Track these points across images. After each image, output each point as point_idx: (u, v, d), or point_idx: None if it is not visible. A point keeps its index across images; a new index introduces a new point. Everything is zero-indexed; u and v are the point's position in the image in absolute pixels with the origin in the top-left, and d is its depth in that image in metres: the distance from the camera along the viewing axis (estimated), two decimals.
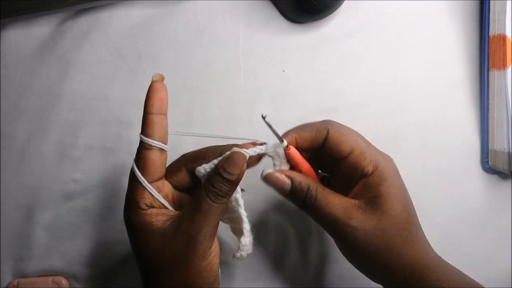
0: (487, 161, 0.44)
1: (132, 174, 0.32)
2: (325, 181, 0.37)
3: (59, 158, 0.46)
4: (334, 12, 0.45)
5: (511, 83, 0.42)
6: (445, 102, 0.46)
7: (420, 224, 0.33)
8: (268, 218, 0.45)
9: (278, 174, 0.32)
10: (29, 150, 0.47)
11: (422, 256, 0.32)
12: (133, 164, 0.32)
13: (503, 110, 0.42)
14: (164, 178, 0.33)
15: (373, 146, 0.33)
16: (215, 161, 0.32)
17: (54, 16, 0.48)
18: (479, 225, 0.45)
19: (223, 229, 0.43)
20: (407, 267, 0.31)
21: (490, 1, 0.44)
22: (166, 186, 0.33)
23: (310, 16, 0.45)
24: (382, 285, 0.34)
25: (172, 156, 0.35)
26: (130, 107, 0.46)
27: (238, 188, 0.32)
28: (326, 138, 0.32)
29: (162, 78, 0.32)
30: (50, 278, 0.45)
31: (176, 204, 0.34)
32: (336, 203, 0.31)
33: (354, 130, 0.33)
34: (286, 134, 0.33)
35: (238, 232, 0.34)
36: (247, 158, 0.31)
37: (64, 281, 0.45)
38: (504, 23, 0.42)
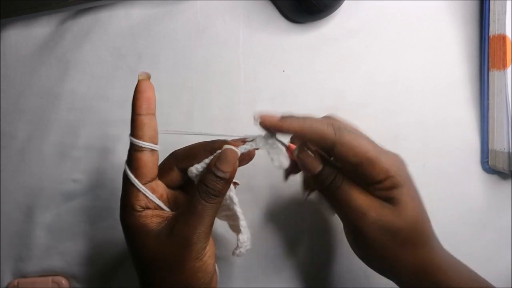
0: (487, 161, 0.44)
1: (125, 176, 0.32)
2: None
3: (59, 158, 0.46)
4: (334, 12, 0.45)
5: (511, 83, 0.42)
6: (445, 102, 0.46)
7: (431, 224, 0.33)
8: (267, 218, 0.45)
9: (312, 157, 0.32)
10: (29, 150, 0.47)
11: (434, 256, 0.32)
12: (125, 167, 0.32)
13: (503, 110, 0.42)
14: (157, 178, 0.33)
15: (382, 149, 0.32)
16: (207, 160, 0.31)
17: (54, 16, 0.48)
18: (479, 225, 0.45)
19: (223, 226, 0.43)
20: (419, 267, 0.31)
21: (490, 1, 0.44)
22: (160, 186, 0.33)
23: (310, 16, 0.45)
24: (389, 279, 0.34)
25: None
26: (130, 107, 0.46)
27: (232, 186, 0.32)
28: (332, 148, 0.31)
29: (148, 77, 0.32)
30: (50, 278, 0.46)
31: (171, 203, 0.34)
32: (359, 193, 0.31)
33: (360, 134, 0.32)
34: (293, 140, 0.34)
35: (236, 229, 0.34)
36: (239, 155, 0.31)
37: (64, 281, 0.45)
38: (504, 23, 0.42)
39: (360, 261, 0.34)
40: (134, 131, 0.31)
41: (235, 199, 0.33)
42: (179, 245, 0.30)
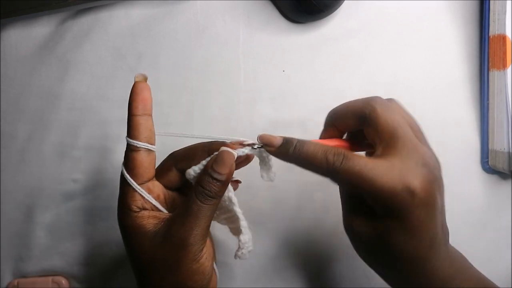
0: (487, 161, 0.44)
1: (122, 177, 0.32)
2: None
3: (59, 158, 0.46)
4: (334, 12, 0.45)
5: (511, 83, 0.42)
6: (445, 102, 0.46)
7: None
8: (267, 218, 0.45)
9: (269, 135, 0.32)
10: (29, 150, 0.47)
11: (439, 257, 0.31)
12: (122, 168, 0.32)
13: (503, 110, 0.42)
14: (154, 179, 0.33)
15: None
16: (204, 162, 0.32)
17: (54, 16, 0.48)
18: (479, 225, 0.45)
19: (222, 230, 0.43)
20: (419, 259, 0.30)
21: (490, 1, 0.44)
22: (157, 186, 0.33)
23: (310, 16, 0.45)
24: (381, 273, 0.33)
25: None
26: None
27: (230, 187, 0.32)
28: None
29: (145, 78, 0.32)
30: (50, 278, 0.46)
31: (169, 204, 0.34)
32: (367, 161, 0.29)
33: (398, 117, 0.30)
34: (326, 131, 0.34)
35: (237, 231, 0.34)
36: (235, 157, 0.31)
37: (64, 281, 0.45)
38: (504, 23, 0.42)
39: (361, 261, 0.34)
40: (130, 131, 0.31)
41: (234, 200, 0.33)
42: (175, 246, 0.30)
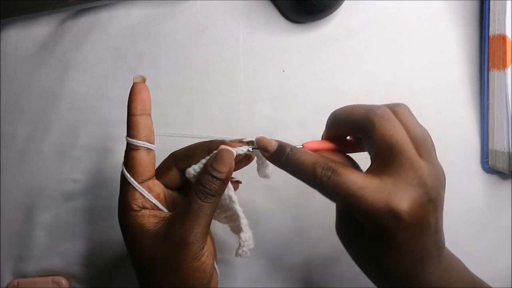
0: (487, 161, 0.44)
1: (122, 176, 0.32)
2: None
3: (59, 158, 0.46)
4: (334, 12, 0.45)
5: (511, 83, 0.42)
6: (445, 102, 0.46)
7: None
8: (267, 218, 0.45)
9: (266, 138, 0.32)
10: (29, 150, 0.47)
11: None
12: (122, 167, 0.32)
13: (503, 110, 0.42)
14: (154, 178, 0.33)
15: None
16: (204, 161, 0.32)
17: (54, 16, 0.48)
18: (479, 225, 0.45)
19: (223, 228, 0.43)
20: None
21: (490, 1, 0.44)
22: (157, 185, 0.33)
23: (310, 16, 0.45)
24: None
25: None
26: None
27: (230, 185, 0.32)
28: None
29: (144, 80, 0.33)
30: (50, 278, 0.46)
31: (169, 203, 0.34)
32: (355, 175, 0.28)
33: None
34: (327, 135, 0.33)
35: (237, 230, 0.34)
36: (235, 155, 0.31)
37: (64, 281, 0.46)
38: (504, 23, 0.42)
39: None
40: (130, 130, 0.32)
41: (234, 198, 0.33)
42: (176, 245, 0.30)
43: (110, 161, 0.46)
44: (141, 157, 0.31)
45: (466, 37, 0.46)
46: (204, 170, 0.31)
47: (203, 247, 0.31)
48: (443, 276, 0.30)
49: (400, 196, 0.26)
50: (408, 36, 0.46)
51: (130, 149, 0.32)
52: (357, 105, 0.31)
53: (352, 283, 0.44)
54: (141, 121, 0.32)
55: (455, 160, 0.45)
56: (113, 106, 0.46)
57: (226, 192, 0.32)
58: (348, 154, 0.33)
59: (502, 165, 0.42)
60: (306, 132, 0.45)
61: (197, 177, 0.31)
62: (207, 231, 0.31)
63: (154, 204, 0.32)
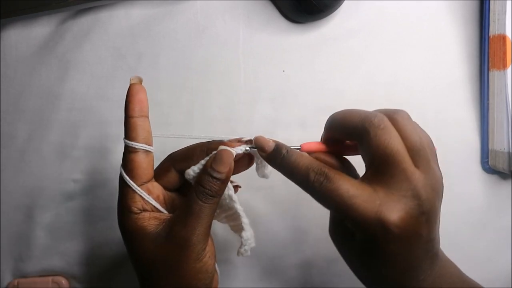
0: (487, 161, 0.44)
1: (121, 179, 0.32)
2: None
3: (59, 158, 0.46)
4: (334, 12, 0.45)
5: (511, 83, 0.42)
6: (445, 102, 0.46)
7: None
8: (267, 218, 0.45)
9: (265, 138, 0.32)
10: (29, 150, 0.47)
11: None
12: (120, 169, 0.32)
13: (503, 110, 0.42)
14: (153, 180, 0.33)
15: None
16: (203, 162, 0.32)
17: (54, 16, 0.48)
18: (479, 225, 0.45)
19: (223, 228, 0.43)
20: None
21: (490, 1, 0.44)
22: (156, 187, 0.33)
23: (310, 16, 0.45)
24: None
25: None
26: None
27: (230, 185, 0.32)
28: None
29: (140, 81, 0.33)
30: (50, 278, 0.46)
31: (168, 205, 0.34)
32: (347, 182, 0.28)
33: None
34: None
35: (238, 228, 0.34)
36: (234, 155, 0.31)
37: (64, 281, 0.46)
38: (504, 23, 0.42)
39: None
40: (128, 132, 0.31)
41: (235, 197, 0.33)
42: (178, 247, 0.30)
43: (110, 161, 0.46)
44: (140, 159, 0.31)
45: (466, 37, 0.46)
46: (204, 171, 0.31)
47: (205, 248, 0.31)
48: (435, 282, 0.29)
49: (391, 208, 0.26)
50: (408, 36, 0.46)
51: (129, 151, 0.31)
52: (355, 110, 0.30)
53: (352, 283, 0.44)
54: (139, 123, 0.31)
55: (455, 160, 0.45)
56: (113, 106, 0.46)
57: (226, 192, 0.32)
58: (347, 156, 0.33)
59: (502, 165, 0.42)
60: (306, 132, 0.45)
61: (197, 178, 0.31)
62: (209, 232, 0.31)
63: (154, 206, 0.32)
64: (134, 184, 0.31)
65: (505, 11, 0.42)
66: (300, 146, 0.32)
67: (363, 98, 0.46)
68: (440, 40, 0.46)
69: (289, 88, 0.46)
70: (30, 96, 0.47)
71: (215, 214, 0.35)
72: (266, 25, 0.47)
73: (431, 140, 0.30)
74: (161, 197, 0.33)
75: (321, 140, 0.34)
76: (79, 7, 0.46)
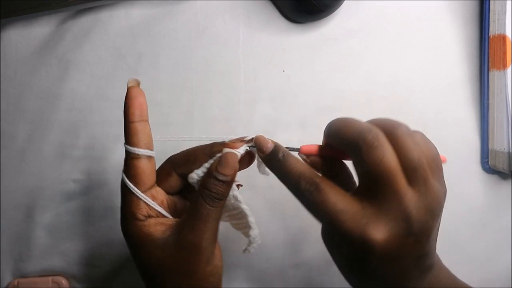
0: (487, 161, 0.44)
1: (124, 185, 0.31)
2: None
3: (59, 158, 0.46)
4: (334, 12, 0.45)
5: (511, 83, 0.42)
6: (445, 102, 0.46)
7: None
8: (268, 218, 0.45)
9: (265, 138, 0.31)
10: (29, 150, 0.47)
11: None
12: (123, 176, 0.31)
13: (503, 110, 0.42)
14: (156, 185, 0.33)
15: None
16: (207, 165, 0.31)
17: (54, 16, 0.48)
18: (479, 225, 0.45)
19: (223, 228, 0.43)
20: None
21: (490, 1, 0.44)
22: (160, 192, 0.32)
23: (310, 16, 0.45)
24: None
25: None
26: None
27: (234, 186, 0.32)
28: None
29: (138, 83, 0.32)
30: (50, 278, 0.46)
31: (171, 209, 0.33)
32: (336, 193, 0.28)
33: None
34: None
35: (241, 227, 0.34)
36: (239, 157, 0.31)
37: (64, 281, 0.46)
38: (504, 23, 0.42)
39: None
40: (129, 138, 0.31)
41: (240, 197, 0.33)
42: (188, 252, 0.30)
43: (110, 161, 0.46)
44: (143, 165, 0.31)
45: (466, 37, 0.46)
46: (209, 174, 0.30)
47: (213, 251, 0.31)
48: None
49: (377, 228, 0.26)
50: (408, 36, 0.46)
51: (131, 157, 0.31)
52: (351, 122, 0.28)
53: None
54: (140, 127, 0.31)
55: (455, 160, 0.45)
56: (113, 106, 0.46)
57: (230, 192, 0.32)
58: (346, 160, 0.33)
59: (502, 165, 0.42)
60: (306, 132, 0.45)
61: (202, 182, 0.31)
62: (217, 235, 0.31)
63: (159, 212, 0.32)
64: (139, 191, 0.31)
65: (505, 11, 0.42)
66: (299, 148, 0.32)
67: (363, 98, 0.46)
68: (440, 40, 0.46)
69: (289, 88, 0.46)
70: (30, 96, 0.47)
71: None
72: (266, 25, 0.47)
73: (437, 153, 0.29)
74: (165, 202, 0.33)
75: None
76: (79, 7, 0.46)
